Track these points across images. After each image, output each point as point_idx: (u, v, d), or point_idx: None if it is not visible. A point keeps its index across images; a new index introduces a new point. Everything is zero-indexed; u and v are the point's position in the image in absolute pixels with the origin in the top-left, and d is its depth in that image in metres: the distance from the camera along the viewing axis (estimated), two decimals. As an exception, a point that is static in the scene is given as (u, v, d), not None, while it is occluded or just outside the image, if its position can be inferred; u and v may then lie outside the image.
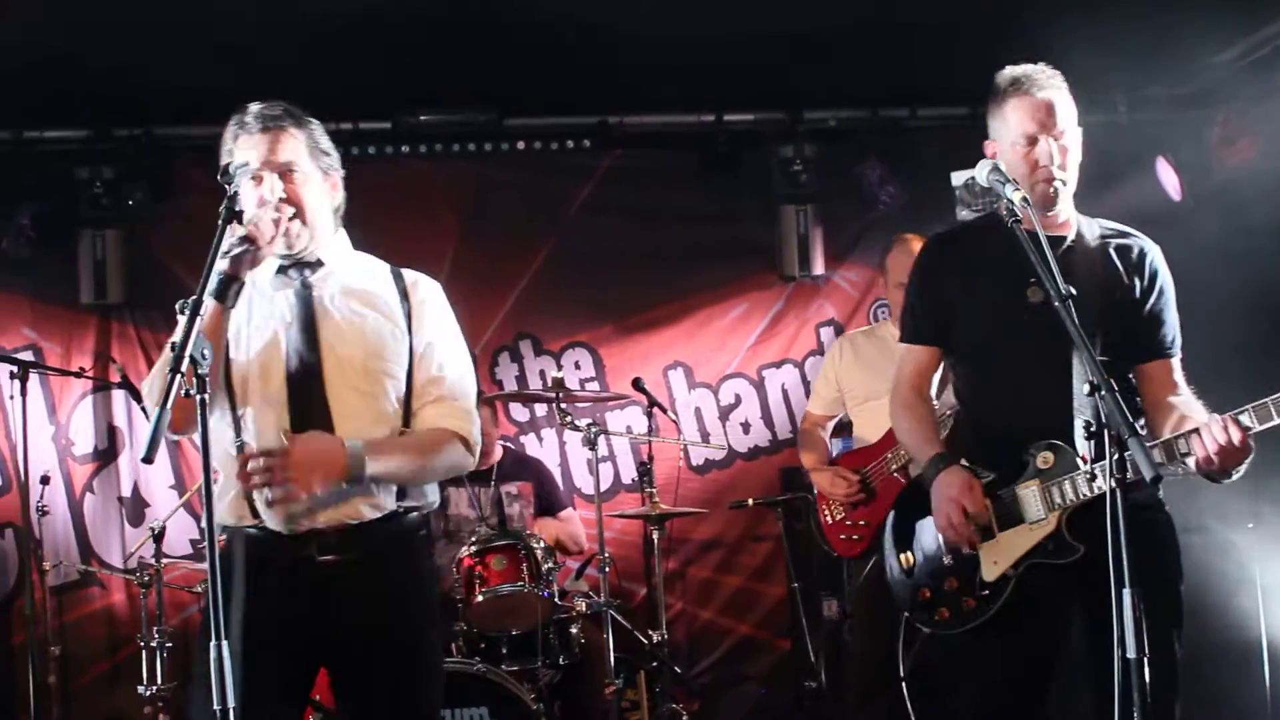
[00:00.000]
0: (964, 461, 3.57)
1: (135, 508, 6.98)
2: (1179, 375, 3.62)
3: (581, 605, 5.42)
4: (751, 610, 7.23)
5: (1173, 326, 3.64)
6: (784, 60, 6.45)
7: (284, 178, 3.26)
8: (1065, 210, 3.60)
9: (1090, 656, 3.44)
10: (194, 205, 6.76)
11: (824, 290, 7.38)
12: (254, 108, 3.31)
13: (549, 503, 6.29)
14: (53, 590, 6.71)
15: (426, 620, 3.41)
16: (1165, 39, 5.89)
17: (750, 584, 7.22)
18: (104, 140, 6.88)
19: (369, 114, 6.87)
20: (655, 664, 5.75)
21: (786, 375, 7.36)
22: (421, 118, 6.96)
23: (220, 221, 2.93)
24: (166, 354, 3.07)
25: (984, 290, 3.62)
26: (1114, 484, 2.81)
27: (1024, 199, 3.22)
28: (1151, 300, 3.60)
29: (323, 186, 3.37)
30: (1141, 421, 3.51)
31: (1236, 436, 3.18)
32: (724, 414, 7.34)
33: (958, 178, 6.95)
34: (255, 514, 3.22)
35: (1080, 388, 3.28)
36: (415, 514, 3.36)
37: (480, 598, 5.21)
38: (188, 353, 2.64)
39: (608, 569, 5.43)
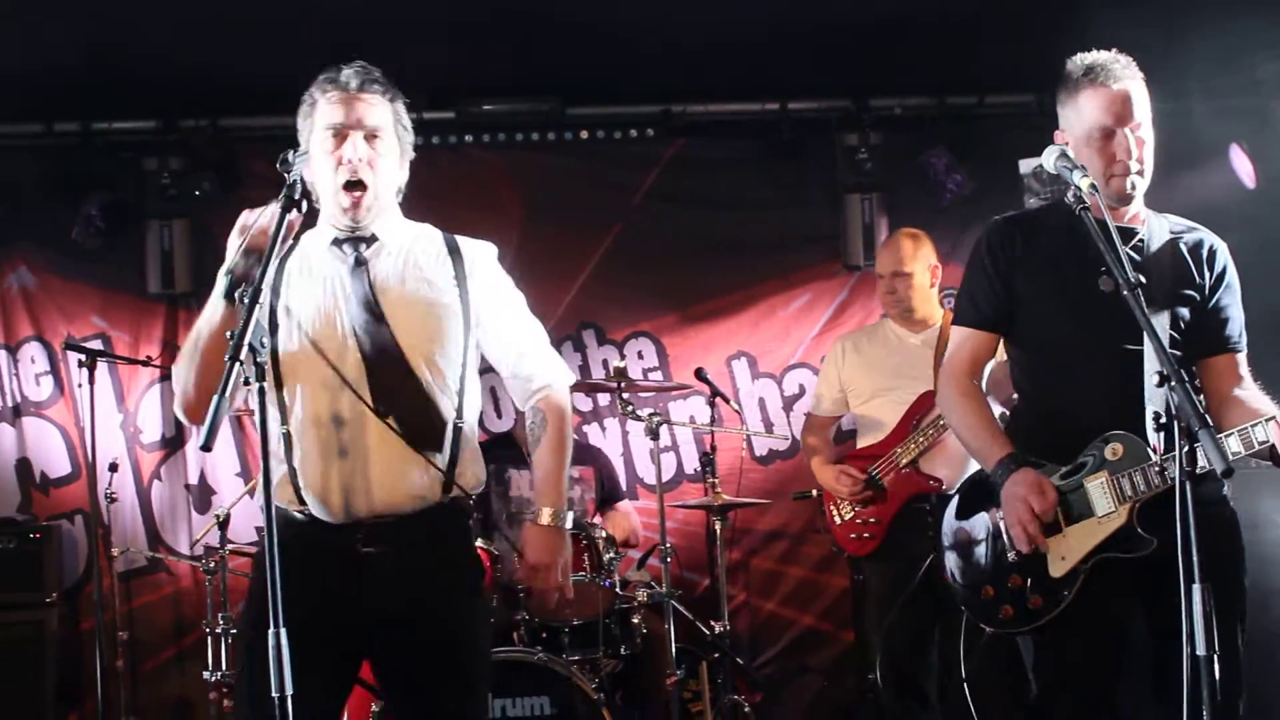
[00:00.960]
0: (1033, 459, 3.49)
1: (202, 495, 7.05)
2: (1244, 369, 3.55)
3: (643, 595, 5.40)
4: (814, 601, 7.17)
5: (1238, 321, 3.57)
6: (849, 47, 6.38)
7: (368, 142, 3.21)
8: (1137, 204, 3.53)
9: (1155, 654, 3.38)
10: (259, 195, 6.62)
11: (889, 280, 7.31)
12: (348, 68, 3.25)
13: (609, 491, 6.31)
14: (121, 576, 6.80)
15: (471, 608, 3.35)
16: (1236, 25, 5.78)
17: (813, 575, 7.16)
18: (171, 132, 6.94)
19: (433, 104, 6.88)
20: (717, 655, 5.73)
21: (851, 365, 7.30)
22: (485, 107, 6.98)
23: (279, 210, 2.90)
24: (191, 338, 3.09)
25: (1051, 278, 3.53)
26: (1182, 477, 2.76)
27: (1092, 185, 3.16)
28: (1218, 295, 3.53)
29: (398, 162, 3.33)
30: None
31: None
32: (787, 404, 7.29)
33: (1025, 165, 6.86)
34: (301, 500, 3.18)
35: (1149, 379, 3.22)
36: (460, 501, 3.30)
37: (542, 587, 5.20)
38: (246, 341, 2.61)
39: (669, 559, 5.40)
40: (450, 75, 6.65)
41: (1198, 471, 2.81)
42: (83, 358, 6.07)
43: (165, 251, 6.93)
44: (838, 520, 5.51)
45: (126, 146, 7.01)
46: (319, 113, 3.24)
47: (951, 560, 3.74)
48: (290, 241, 3.16)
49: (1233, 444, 3.22)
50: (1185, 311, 3.47)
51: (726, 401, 6.32)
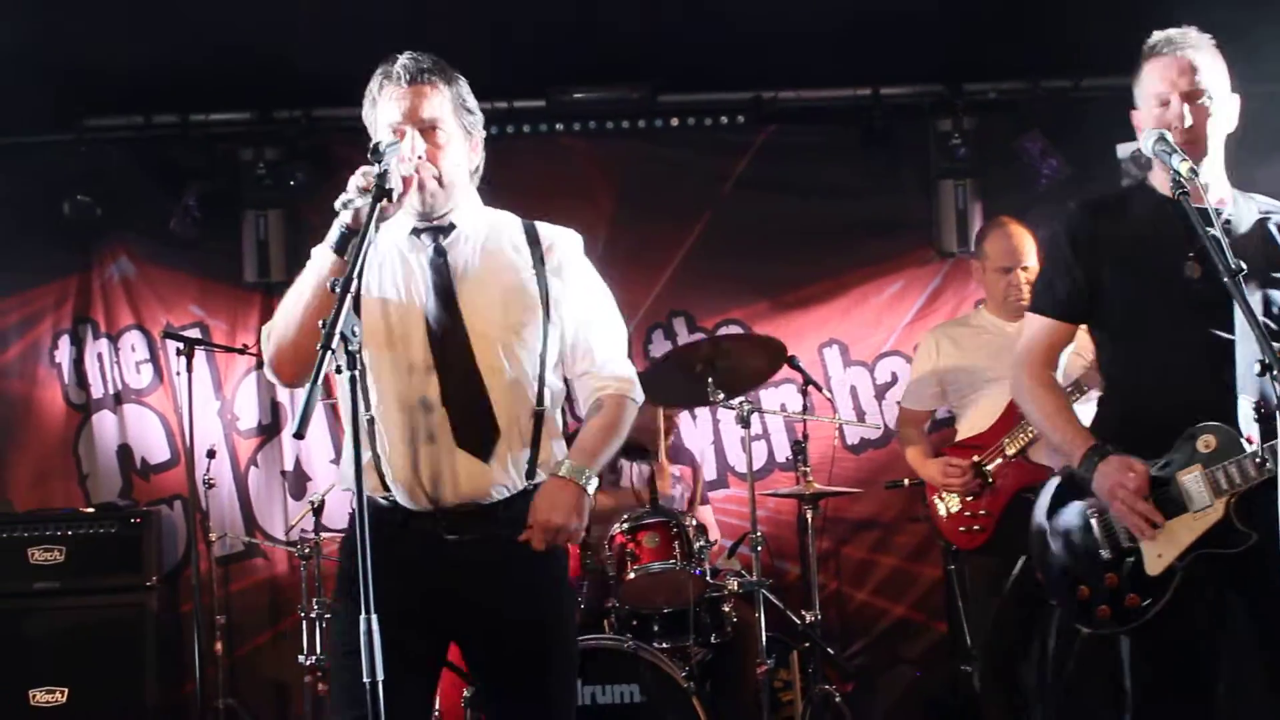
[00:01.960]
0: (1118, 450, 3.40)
1: (297, 481, 7.15)
2: None
3: (734, 584, 5.38)
4: (907, 592, 7.12)
5: None
6: (942, 30, 6.31)
7: (426, 135, 3.19)
8: (1222, 184, 3.43)
9: (1263, 645, 3.31)
10: (352, 186, 6.85)
11: (982, 266, 7.22)
12: (401, 58, 3.21)
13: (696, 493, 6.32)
14: (218, 561, 6.94)
15: (556, 595, 3.33)
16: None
17: (905, 565, 7.11)
18: (266, 123, 7.05)
19: (523, 92, 6.86)
20: (808, 644, 5.71)
21: (944, 353, 7.22)
22: (575, 95, 6.96)
23: (370, 200, 2.91)
24: (292, 292, 3.11)
25: (1139, 264, 3.44)
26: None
27: (1191, 169, 3.09)
28: None
29: (464, 146, 3.29)
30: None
31: None
32: (880, 392, 7.23)
33: (1123, 150, 6.70)
34: (386, 486, 3.19)
35: (1247, 366, 3.13)
36: None
37: (632, 575, 5.21)
38: (338, 329, 2.60)
39: (760, 548, 5.38)
40: (540, 63, 6.66)
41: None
42: (181, 346, 6.20)
43: (260, 241, 7.04)
44: (943, 513, 5.36)
45: (223, 138, 7.12)
46: (380, 110, 3.23)
47: (1043, 560, 3.64)
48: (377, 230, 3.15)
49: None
50: (1277, 294, 3.38)
51: (819, 389, 6.27)
